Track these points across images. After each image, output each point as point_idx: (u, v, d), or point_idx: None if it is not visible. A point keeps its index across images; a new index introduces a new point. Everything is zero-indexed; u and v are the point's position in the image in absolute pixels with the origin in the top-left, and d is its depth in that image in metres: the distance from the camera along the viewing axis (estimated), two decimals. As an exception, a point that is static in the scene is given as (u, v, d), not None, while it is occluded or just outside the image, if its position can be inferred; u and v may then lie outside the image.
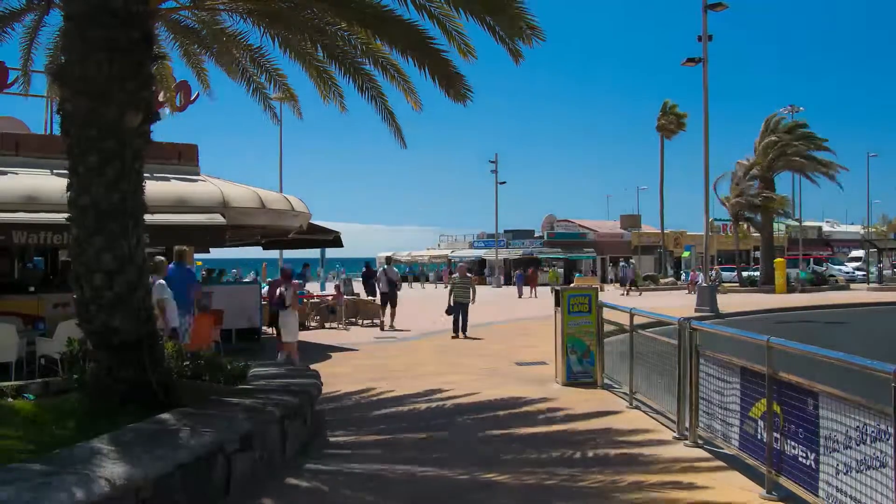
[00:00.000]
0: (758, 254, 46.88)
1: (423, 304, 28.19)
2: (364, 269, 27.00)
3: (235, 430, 5.40)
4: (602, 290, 18.02)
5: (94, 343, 6.66)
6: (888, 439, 3.88)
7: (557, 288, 11.01)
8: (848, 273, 50.47)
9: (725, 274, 43.95)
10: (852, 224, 76.86)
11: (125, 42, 6.48)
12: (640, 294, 35.65)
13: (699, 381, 6.49)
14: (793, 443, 4.88)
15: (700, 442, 6.56)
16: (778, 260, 39.52)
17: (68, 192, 6.52)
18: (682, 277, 48.57)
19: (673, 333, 7.09)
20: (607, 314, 10.01)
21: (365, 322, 20.64)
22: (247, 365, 8.22)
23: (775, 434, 5.08)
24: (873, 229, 66.61)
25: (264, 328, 15.93)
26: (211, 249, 19.95)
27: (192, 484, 4.73)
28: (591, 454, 6.51)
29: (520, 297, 36.40)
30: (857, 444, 4.19)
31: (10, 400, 6.61)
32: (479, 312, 24.22)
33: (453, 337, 16.73)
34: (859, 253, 52.30)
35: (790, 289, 37.50)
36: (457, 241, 68.37)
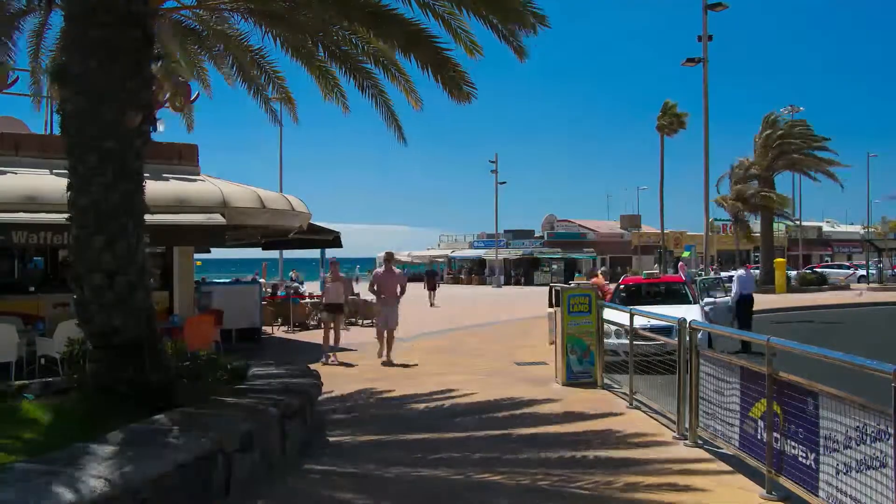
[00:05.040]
0: (758, 254, 46.84)
1: (420, 306, 28.20)
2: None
3: (235, 431, 5.39)
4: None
5: (94, 343, 6.66)
6: (888, 439, 3.88)
7: (557, 287, 11.00)
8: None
9: (725, 274, 43.85)
10: (852, 224, 76.80)
11: (125, 42, 6.48)
12: None
13: (699, 381, 6.49)
14: (793, 443, 4.88)
15: (700, 442, 6.56)
16: (778, 260, 39.51)
17: (68, 192, 6.52)
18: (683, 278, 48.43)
19: (673, 333, 7.09)
20: (607, 314, 10.02)
21: (365, 322, 20.64)
22: (247, 365, 8.21)
23: (775, 434, 5.08)
24: (873, 229, 66.57)
25: (264, 328, 15.94)
26: (211, 249, 19.96)
27: (192, 484, 4.73)
28: (588, 454, 6.51)
29: None
30: (857, 445, 4.18)
31: (10, 400, 6.61)
32: (479, 312, 24.26)
33: None
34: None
35: (789, 289, 37.48)
36: (457, 241, 68.37)
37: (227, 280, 23.16)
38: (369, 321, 20.51)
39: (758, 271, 41.76)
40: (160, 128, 7.02)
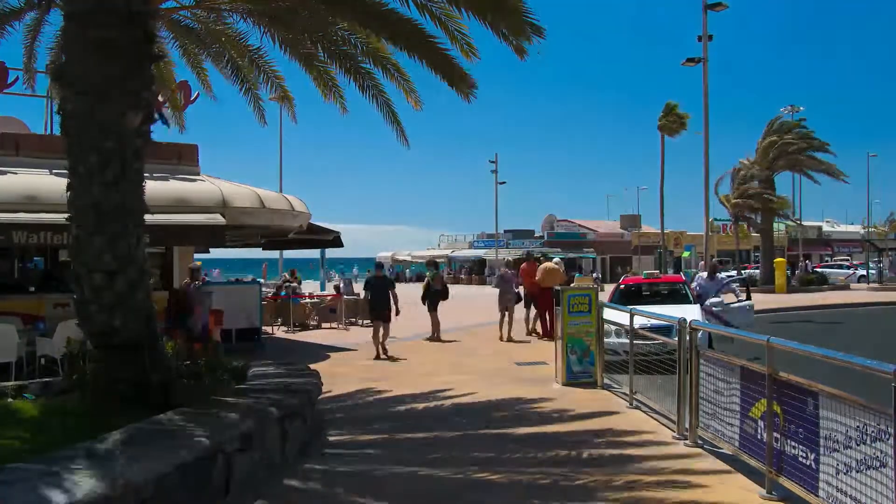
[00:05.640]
0: (758, 254, 46.84)
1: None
2: None
3: (235, 430, 5.40)
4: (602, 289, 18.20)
5: (94, 343, 6.66)
6: (888, 439, 3.88)
7: (557, 288, 10.99)
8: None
9: (724, 275, 43.73)
10: (852, 224, 76.82)
11: (126, 42, 6.48)
12: None
13: (699, 381, 6.49)
14: (793, 443, 4.88)
15: (700, 442, 6.55)
16: (778, 260, 39.47)
17: (68, 192, 6.52)
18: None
19: (673, 333, 7.09)
20: (607, 314, 10.01)
21: (365, 322, 20.60)
22: (247, 365, 8.22)
23: (775, 434, 5.08)
24: (873, 229, 66.56)
25: (264, 328, 15.93)
26: (211, 249, 19.95)
27: (192, 484, 4.73)
28: (588, 454, 6.51)
29: None
30: (857, 444, 4.18)
31: (10, 400, 6.62)
32: (479, 312, 24.21)
33: None
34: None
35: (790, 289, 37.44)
36: (457, 242, 68.34)
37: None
38: (369, 321, 20.46)
39: (757, 271, 41.85)
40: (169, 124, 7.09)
